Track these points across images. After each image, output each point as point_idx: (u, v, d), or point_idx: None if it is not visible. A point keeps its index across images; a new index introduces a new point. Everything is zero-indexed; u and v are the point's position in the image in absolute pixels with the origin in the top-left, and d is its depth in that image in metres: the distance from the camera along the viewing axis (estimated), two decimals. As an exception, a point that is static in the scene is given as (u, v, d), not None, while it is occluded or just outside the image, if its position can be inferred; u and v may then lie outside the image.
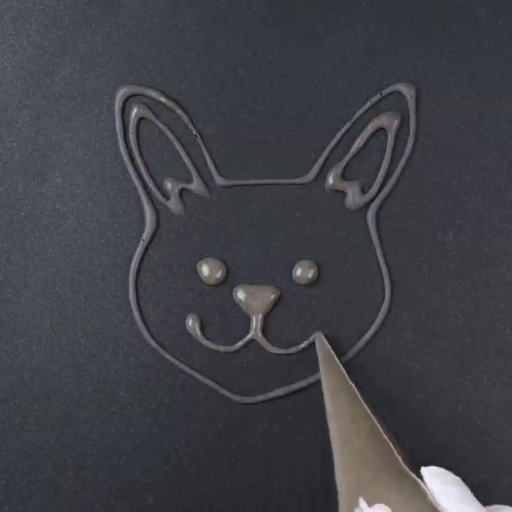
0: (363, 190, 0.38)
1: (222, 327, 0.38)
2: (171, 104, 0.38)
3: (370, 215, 0.38)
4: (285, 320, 0.38)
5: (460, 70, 0.38)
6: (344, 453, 0.30)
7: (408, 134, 0.38)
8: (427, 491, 0.28)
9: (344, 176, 0.38)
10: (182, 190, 0.38)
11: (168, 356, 0.38)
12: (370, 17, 0.38)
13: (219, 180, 0.38)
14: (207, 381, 0.38)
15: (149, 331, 0.38)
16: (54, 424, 0.39)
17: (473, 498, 0.28)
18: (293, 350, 0.38)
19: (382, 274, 0.38)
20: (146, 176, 0.38)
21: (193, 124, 0.38)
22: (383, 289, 0.38)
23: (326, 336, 0.38)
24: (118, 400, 0.38)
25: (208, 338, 0.38)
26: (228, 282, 0.38)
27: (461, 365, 0.38)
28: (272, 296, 0.38)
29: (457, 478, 0.29)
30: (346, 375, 0.34)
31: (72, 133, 0.39)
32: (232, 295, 0.38)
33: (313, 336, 0.38)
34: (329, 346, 0.37)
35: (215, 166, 0.38)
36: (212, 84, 0.38)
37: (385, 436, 0.31)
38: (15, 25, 0.39)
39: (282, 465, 0.38)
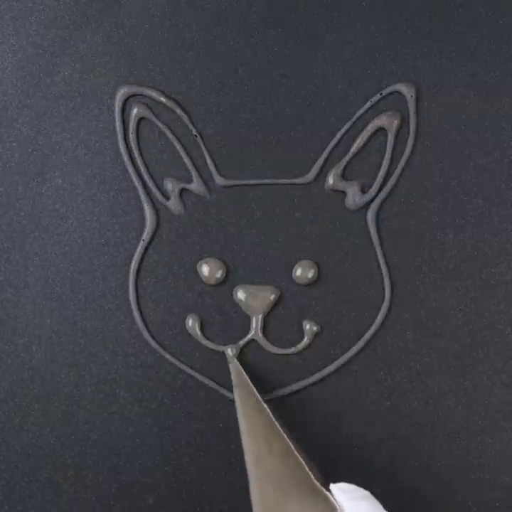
0: (363, 190, 0.38)
1: (222, 327, 0.38)
2: (171, 104, 0.38)
3: (370, 215, 0.38)
4: (285, 320, 0.38)
5: (460, 70, 0.38)
6: (258, 472, 0.31)
7: (408, 134, 0.38)
8: (338, 507, 0.29)
9: (344, 175, 0.38)
10: (182, 190, 0.38)
11: (168, 356, 0.38)
12: (370, 17, 0.38)
13: (219, 180, 0.38)
14: (207, 381, 0.38)
15: (149, 331, 0.38)
16: (54, 424, 0.39)
17: (383, 509, 0.29)
18: (293, 350, 0.38)
19: (382, 274, 0.38)
20: (146, 176, 0.38)
21: (193, 124, 0.38)
22: (383, 289, 0.38)
23: (326, 336, 0.38)
24: (118, 399, 0.38)
25: (208, 338, 0.38)
26: (228, 282, 0.38)
27: (461, 365, 0.38)
28: (272, 296, 0.38)
29: (367, 493, 0.30)
30: (258, 395, 0.35)
31: (72, 133, 0.39)
32: (232, 295, 0.38)
33: (228, 360, 0.38)
34: (240, 367, 0.37)
35: (215, 166, 0.38)
36: (212, 84, 0.38)
37: (298, 455, 0.31)
38: (15, 25, 0.39)
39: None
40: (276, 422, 0.33)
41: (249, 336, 0.38)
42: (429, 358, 0.38)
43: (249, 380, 0.36)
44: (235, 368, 0.37)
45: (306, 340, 0.38)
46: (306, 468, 0.31)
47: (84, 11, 0.39)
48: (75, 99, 0.39)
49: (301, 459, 0.31)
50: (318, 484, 0.30)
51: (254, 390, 0.35)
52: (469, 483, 0.38)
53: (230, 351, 0.38)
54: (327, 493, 0.30)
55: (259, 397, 0.35)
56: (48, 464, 0.39)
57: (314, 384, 0.38)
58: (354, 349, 0.38)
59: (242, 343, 0.38)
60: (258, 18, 0.38)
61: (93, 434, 0.38)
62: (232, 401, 0.38)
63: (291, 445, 0.32)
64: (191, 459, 0.38)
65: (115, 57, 0.38)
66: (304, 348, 0.38)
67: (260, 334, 0.38)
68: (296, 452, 0.31)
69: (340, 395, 0.38)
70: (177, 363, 0.38)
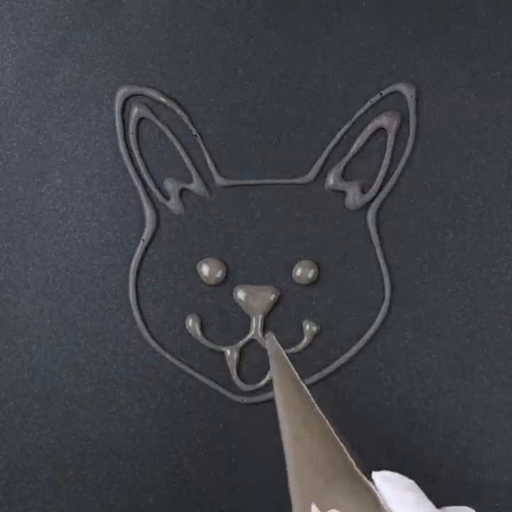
0: (363, 190, 0.38)
1: (222, 327, 0.38)
2: (171, 104, 0.38)
3: (370, 215, 0.38)
4: (285, 320, 0.38)
5: (460, 70, 0.38)
6: (296, 456, 0.30)
7: (408, 134, 0.38)
8: (380, 498, 0.27)
9: (344, 176, 0.38)
10: (182, 190, 0.38)
11: (168, 356, 0.38)
12: (370, 17, 0.38)
13: (219, 180, 0.38)
14: (207, 381, 0.38)
15: (149, 331, 0.38)
16: (54, 424, 0.39)
17: (428, 502, 0.28)
18: (293, 350, 0.38)
19: (382, 274, 0.38)
20: (146, 176, 0.38)
21: (193, 124, 0.38)
22: (383, 289, 0.38)
23: (326, 336, 0.38)
24: (118, 399, 0.38)
25: (207, 338, 0.38)
26: (228, 282, 0.38)
27: (461, 365, 0.38)
28: (272, 296, 0.38)
29: (411, 482, 0.28)
30: (297, 375, 0.33)
31: (72, 133, 0.39)
32: (232, 295, 0.38)
33: (266, 337, 0.37)
34: (280, 345, 0.36)
35: (215, 166, 0.38)
36: (212, 84, 0.38)
37: (339, 440, 0.30)
38: (15, 25, 0.39)
39: (282, 465, 0.38)
40: (315, 405, 0.31)
41: (249, 336, 0.38)
42: (429, 358, 0.38)
43: (287, 359, 0.34)
44: (272, 345, 0.36)
45: (306, 340, 0.38)
46: (348, 454, 0.29)
47: (84, 11, 0.39)
48: (75, 99, 0.39)
49: (343, 445, 0.29)
50: (360, 472, 0.28)
51: (293, 369, 0.33)
52: (469, 483, 0.38)
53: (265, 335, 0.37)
54: (369, 482, 0.28)
55: (297, 376, 0.33)
56: (48, 463, 0.39)
57: (314, 384, 0.38)
58: (354, 349, 0.38)
59: (241, 343, 0.38)
60: (258, 18, 0.38)
61: (93, 434, 0.38)
62: (233, 401, 0.38)
63: (332, 429, 0.30)
64: (191, 459, 0.38)
65: (115, 57, 0.39)
66: (304, 348, 0.38)
67: (260, 334, 0.38)
68: (337, 437, 0.30)
69: (340, 395, 0.38)
70: (177, 363, 0.38)
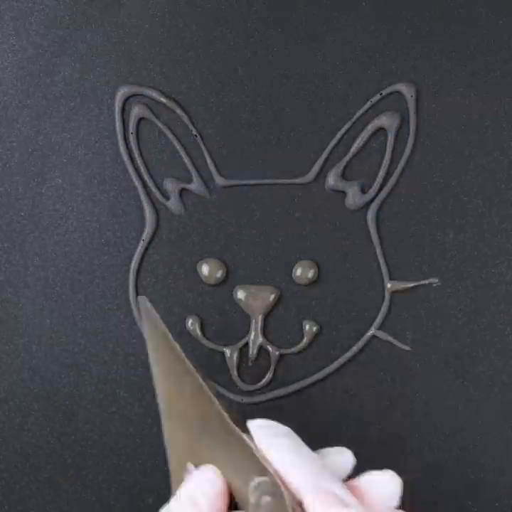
0: (363, 190, 0.38)
1: (222, 327, 0.38)
2: (171, 104, 0.38)
3: (370, 215, 0.38)
4: (285, 320, 0.38)
5: (460, 70, 0.38)
6: (171, 416, 0.29)
7: (408, 134, 0.38)
8: (254, 446, 0.26)
9: (344, 175, 0.38)
10: (182, 190, 0.38)
11: (168, 356, 0.38)
12: (370, 17, 0.38)
13: (219, 180, 0.38)
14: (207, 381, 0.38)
15: (149, 331, 0.38)
16: (54, 424, 0.39)
17: (304, 446, 0.27)
18: (293, 350, 0.38)
19: (382, 274, 0.38)
20: (146, 176, 0.38)
21: (193, 124, 0.38)
22: (383, 289, 0.38)
23: (326, 336, 0.38)
24: (118, 400, 0.38)
25: (208, 338, 0.38)
26: (228, 282, 0.38)
27: (461, 365, 0.38)
28: (272, 296, 0.38)
29: (287, 429, 0.27)
30: (170, 335, 0.32)
31: (72, 133, 0.39)
32: (232, 295, 0.38)
33: (138, 300, 0.36)
34: (151, 305, 0.34)
35: (215, 166, 0.38)
36: (212, 84, 0.38)
37: (211, 394, 0.28)
38: (15, 25, 0.39)
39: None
40: (188, 361, 0.30)
41: (249, 336, 0.38)
42: (429, 358, 0.38)
43: (158, 317, 0.33)
44: (143, 304, 0.34)
45: (306, 340, 0.38)
46: (220, 407, 0.28)
47: (84, 11, 0.39)
48: (75, 99, 0.39)
49: (215, 399, 0.28)
50: (231, 423, 0.27)
51: (164, 327, 0.32)
52: (469, 483, 0.38)
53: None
54: (241, 433, 0.27)
55: (170, 335, 0.31)
56: (48, 463, 0.39)
57: (314, 384, 0.38)
58: (354, 349, 0.38)
59: (241, 343, 0.38)
60: (258, 18, 0.38)
61: (93, 434, 0.38)
62: (233, 401, 0.38)
63: (204, 384, 0.29)
64: (191, 459, 0.38)
65: (115, 57, 0.39)
66: (304, 348, 0.38)
67: (260, 334, 0.38)
68: (209, 391, 0.28)
69: (340, 395, 0.38)
70: (177, 363, 0.38)
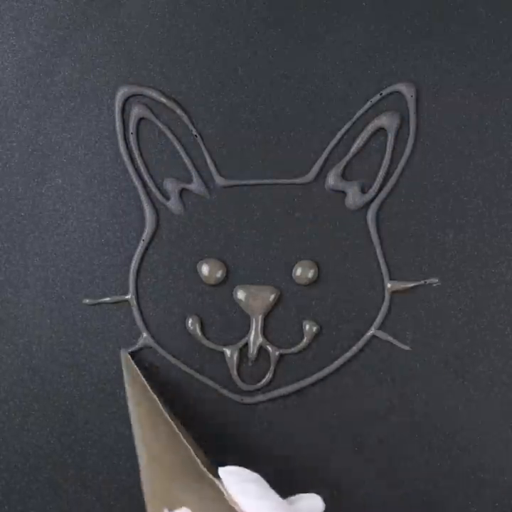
0: (363, 190, 0.38)
1: (222, 327, 0.38)
2: (171, 104, 0.38)
3: (370, 215, 0.38)
4: (285, 320, 0.38)
5: (460, 70, 0.38)
6: (148, 461, 0.30)
7: (408, 134, 0.38)
8: (225, 491, 0.28)
9: (344, 175, 0.38)
10: (182, 190, 0.38)
11: (168, 356, 0.38)
12: (370, 17, 0.38)
13: (219, 180, 0.38)
14: (207, 381, 0.38)
15: (149, 331, 0.38)
16: (54, 424, 0.39)
17: (273, 492, 0.29)
18: (293, 350, 0.38)
19: (382, 274, 0.38)
20: (146, 176, 0.38)
21: (193, 124, 0.38)
22: (383, 289, 0.38)
23: (326, 336, 0.38)
24: (118, 400, 0.38)
25: (208, 338, 0.38)
26: (228, 282, 0.38)
27: (461, 365, 0.38)
28: (272, 296, 0.38)
29: (256, 475, 0.29)
30: (147, 384, 0.35)
31: (72, 133, 0.39)
32: (232, 295, 0.38)
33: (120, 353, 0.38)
34: (130, 357, 0.37)
35: (215, 166, 0.38)
36: (212, 84, 0.38)
37: (184, 440, 0.31)
38: (15, 25, 0.39)
39: (282, 464, 0.38)
40: (163, 408, 0.33)
41: (249, 336, 0.38)
42: (429, 358, 0.38)
43: (135, 366, 0.36)
44: (124, 356, 0.38)
45: (306, 340, 0.38)
46: (192, 452, 0.30)
47: (84, 11, 0.39)
48: (75, 99, 0.39)
49: (188, 444, 0.30)
50: (203, 468, 0.29)
51: (141, 376, 0.35)
52: (469, 483, 0.38)
53: None
54: (212, 477, 0.29)
55: (146, 383, 0.35)
56: (48, 463, 0.39)
57: (314, 384, 0.38)
58: (354, 349, 0.38)
59: (241, 343, 0.38)
60: (258, 18, 0.38)
61: (93, 434, 0.38)
62: (233, 401, 0.38)
63: (177, 430, 0.31)
64: (191, 459, 0.38)
65: (115, 57, 0.39)
66: (304, 348, 0.38)
67: (260, 334, 0.38)
68: (182, 437, 0.31)
69: (340, 395, 0.38)
70: (177, 363, 0.38)
